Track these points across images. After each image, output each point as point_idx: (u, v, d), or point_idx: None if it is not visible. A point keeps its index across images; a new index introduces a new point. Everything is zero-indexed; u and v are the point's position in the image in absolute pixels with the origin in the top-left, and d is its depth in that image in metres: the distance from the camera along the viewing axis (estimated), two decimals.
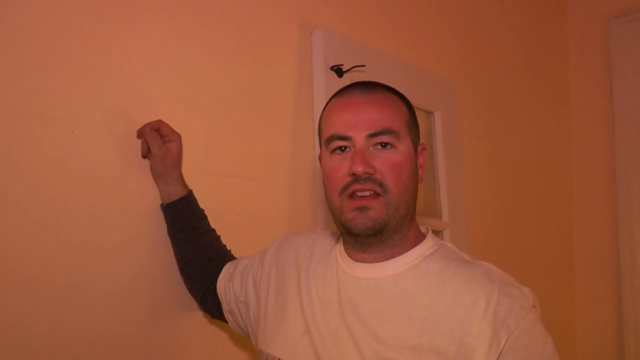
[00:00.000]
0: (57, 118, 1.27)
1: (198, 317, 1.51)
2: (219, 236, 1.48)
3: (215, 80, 1.56)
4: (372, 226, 1.10)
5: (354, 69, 1.80)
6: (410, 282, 1.10)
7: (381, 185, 1.09)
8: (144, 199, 1.41)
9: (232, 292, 1.37)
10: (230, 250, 1.49)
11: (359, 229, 1.10)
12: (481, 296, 1.04)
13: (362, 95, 1.14)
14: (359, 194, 1.10)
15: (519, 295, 1.05)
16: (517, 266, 2.46)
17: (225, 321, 1.43)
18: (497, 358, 1.00)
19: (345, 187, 1.10)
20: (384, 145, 1.11)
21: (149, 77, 1.42)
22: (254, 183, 1.62)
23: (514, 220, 2.58)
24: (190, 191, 1.44)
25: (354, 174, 1.09)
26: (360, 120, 1.11)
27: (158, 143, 1.38)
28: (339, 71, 1.79)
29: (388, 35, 2.05)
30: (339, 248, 1.21)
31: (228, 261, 1.45)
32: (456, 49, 2.36)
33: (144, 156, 1.41)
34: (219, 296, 1.40)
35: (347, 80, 1.81)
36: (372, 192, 1.10)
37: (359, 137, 1.10)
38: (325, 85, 1.76)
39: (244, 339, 1.55)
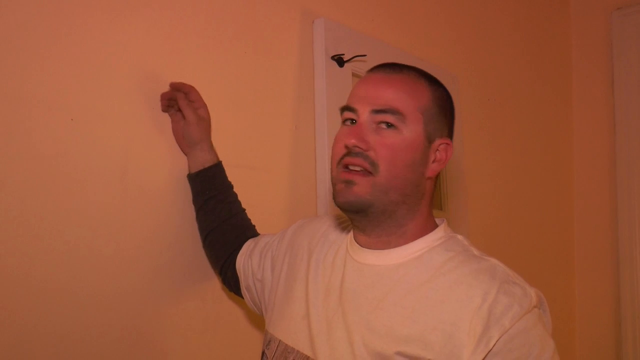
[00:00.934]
0: (57, 106, 1.26)
1: (203, 293, 1.51)
2: (245, 209, 1.48)
3: (214, 69, 1.55)
4: (353, 201, 1.09)
5: (355, 58, 1.80)
6: (411, 272, 1.09)
7: (372, 163, 1.08)
8: (145, 185, 1.40)
9: (250, 269, 1.38)
10: (254, 226, 1.49)
11: (340, 201, 1.10)
12: (478, 292, 1.01)
13: (383, 73, 1.14)
14: (351, 167, 1.10)
15: (520, 295, 1.01)
16: (516, 260, 2.46)
17: (242, 296, 1.43)
18: (486, 356, 0.97)
19: (341, 159, 1.11)
20: (389, 125, 1.09)
21: (148, 67, 1.41)
22: (254, 173, 1.62)
23: (513, 213, 2.58)
24: (220, 161, 1.44)
25: (346, 146, 1.09)
26: (370, 95, 1.11)
27: (192, 108, 1.38)
28: (340, 61, 1.78)
29: (389, 25, 2.04)
30: (350, 234, 1.20)
31: (251, 233, 1.46)
32: (457, 39, 2.35)
33: (164, 111, 1.41)
34: (238, 271, 1.41)
35: (347, 70, 1.81)
36: (362, 168, 1.09)
37: (363, 111, 1.10)
38: (326, 75, 1.75)
39: (259, 320, 1.56)
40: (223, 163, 1.46)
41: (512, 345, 0.98)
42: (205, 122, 1.40)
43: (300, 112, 1.74)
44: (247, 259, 1.39)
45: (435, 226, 1.16)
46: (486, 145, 2.45)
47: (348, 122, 1.13)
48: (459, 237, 1.15)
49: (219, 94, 1.55)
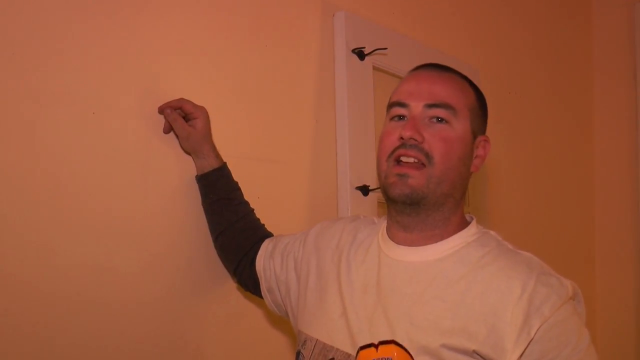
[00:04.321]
0: (78, 100, 1.26)
1: (224, 292, 1.52)
2: (253, 209, 1.49)
3: (236, 62, 1.55)
4: (408, 193, 1.11)
5: (376, 51, 1.79)
6: (449, 266, 1.11)
7: (427, 155, 1.11)
8: (166, 181, 1.41)
9: (272, 271, 1.38)
10: (264, 225, 1.49)
11: (395, 193, 1.12)
12: (517, 283, 1.04)
13: (431, 71, 1.18)
14: (404, 159, 1.12)
15: (558, 286, 1.05)
16: (536, 253, 2.44)
17: (261, 297, 1.43)
18: (528, 345, 1.00)
19: (393, 152, 1.13)
20: (440, 120, 1.12)
21: (169, 59, 1.42)
22: (275, 166, 1.62)
23: (534, 206, 2.57)
24: (224, 163, 1.44)
25: (401, 138, 1.11)
26: (422, 90, 1.14)
27: (180, 123, 1.38)
28: (360, 54, 1.77)
29: (410, 18, 2.03)
30: (382, 231, 1.22)
31: (262, 234, 1.46)
32: (479, 33, 2.33)
33: (166, 133, 1.41)
34: (258, 273, 1.41)
35: (368, 63, 1.80)
36: (416, 160, 1.11)
37: (417, 106, 1.13)
38: (346, 68, 1.75)
39: (271, 315, 1.56)
40: (243, 156, 1.46)
41: (552, 334, 1.01)
42: (195, 135, 1.39)
43: (321, 105, 1.74)
44: (268, 261, 1.39)
45: (467, 222, 1.19)
46: (507, 138, 2.43)
47: (396, 119, 1.16)
48: (492, 232, 1.18)
49: (240, 87, 1.56)
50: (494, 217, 2.29)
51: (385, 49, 1.80)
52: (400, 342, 1.06)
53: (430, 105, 1.12)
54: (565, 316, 1.03)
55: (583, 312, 1.08)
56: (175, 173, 1.42)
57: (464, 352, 1.02)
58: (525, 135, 2.54)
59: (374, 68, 1.82)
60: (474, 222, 1.19)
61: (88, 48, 1.28)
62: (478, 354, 1.02)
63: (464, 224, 1.18)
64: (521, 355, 1.01)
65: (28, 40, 1.20)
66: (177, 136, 1.42)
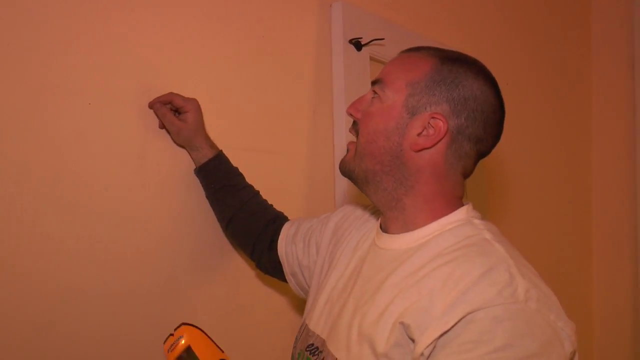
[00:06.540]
0: (75, 90, 1.26)
1: (224, 286, 1.52)
2: (258, 191, 1.49)
3: (232, 52, 1.54)
4: (341, 167, 1.16)
5: (373, 42, 1.78)
6: (415, 255, 1.06)
7: (357, 131, 1.14)
8: (164, 170, 1.40)
9: (295, 255, 1.39)
10: (272, 205, 1.49)
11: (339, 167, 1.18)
12: (461, 273, 0.96)
13: (401, 53, 1.17)
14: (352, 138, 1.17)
15: (505, 285, 0.93)
16: (534, 249, 2.45)
17: (281, 279, 1.45)
18: (441, 335, 0.92)
19: None
20: (376, 95, 1.12)
21: (166, 50, 1.41)
22: (272, 157, 1.62)
23: (530, 202, 2.57)
24: (220, 151, 1.44)
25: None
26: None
27: (169, 119, 1.37)
28: (357, 44, 1.77)
29: (407, 8, 2.03)
30: (379, 220, 1.20)
31: (272, 214, 1.47)
32: (475, 24, 2.32)
33: (161, 128, 1.41)
34: (280, 257, 1.41)
35: (365, 53, 1.79)
36: (354, 136, 1.15)
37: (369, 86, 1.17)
38: (343, 58, 1.74)
39: (291, 304, 1.57)
40: (240, 147, 1.46)
41: (474, 327, 0.90)
42: (187, 128, 1.38)
43: (318, 96, 1.73)
44: (290, 245, 1.40)
45: (452, 211, 1.11)
46: (505, 129, 2.42)
47: None
48: (476, 221, 1.10)
49: (237, 78, 1.55)
50: (489, 212, 2.29)
51: (383, 39, 1.80)
52: (352, 332, 1.05)
53: (372, 83, 1.13)
54: (500, 317, 0.90)
55: (549, 326, 0.93)
56: (173, 164, 1.42)
57: (399, 335, 0.97)
58: (522, 128, 2.54)
59: (371, 59, 1.82)
60: (462, 209, 1.11)
61: (85, 38, 1.27)
62: (406, 331, 0.97)
63: (443, 210, 1.10)
64: (432, 343, 0.92)
65: (24, 30, 1.19)
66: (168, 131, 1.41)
